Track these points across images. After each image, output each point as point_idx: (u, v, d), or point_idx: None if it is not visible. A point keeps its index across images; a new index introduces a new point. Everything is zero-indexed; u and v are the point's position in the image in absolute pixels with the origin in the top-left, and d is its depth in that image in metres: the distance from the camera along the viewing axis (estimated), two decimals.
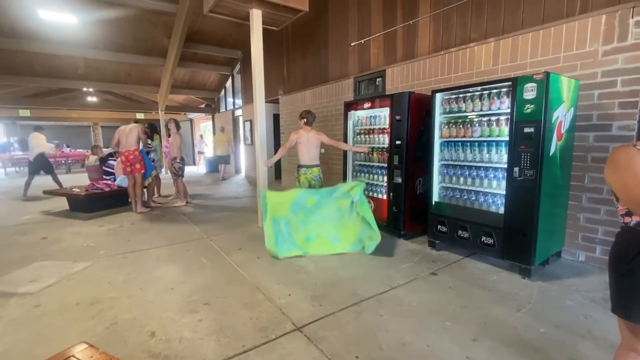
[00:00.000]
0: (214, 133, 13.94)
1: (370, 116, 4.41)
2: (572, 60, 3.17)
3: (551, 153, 2.80)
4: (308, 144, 4.06)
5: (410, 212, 3.97)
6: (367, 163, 4.53)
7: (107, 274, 3.10)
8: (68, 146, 16.24)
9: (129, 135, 5.50)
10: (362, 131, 4.60)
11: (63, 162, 14.27)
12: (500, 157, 3.10)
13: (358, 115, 4.65)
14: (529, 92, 2.73)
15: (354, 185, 3.60)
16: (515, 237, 2.90)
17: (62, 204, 5.95)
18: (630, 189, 1.12)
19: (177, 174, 6.09)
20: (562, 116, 2.87)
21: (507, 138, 2.97)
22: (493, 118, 3.14)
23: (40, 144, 6.96)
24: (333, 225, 3.63)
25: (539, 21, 3.40)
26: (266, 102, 4.66)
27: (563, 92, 2.84)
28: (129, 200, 5.82)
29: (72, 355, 1.24)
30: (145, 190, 6.03)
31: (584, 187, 3.17)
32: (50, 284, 2.87)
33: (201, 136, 14.83)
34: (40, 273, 3.11)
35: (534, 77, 2.70)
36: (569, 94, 2.92)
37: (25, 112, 13.97)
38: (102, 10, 7.35)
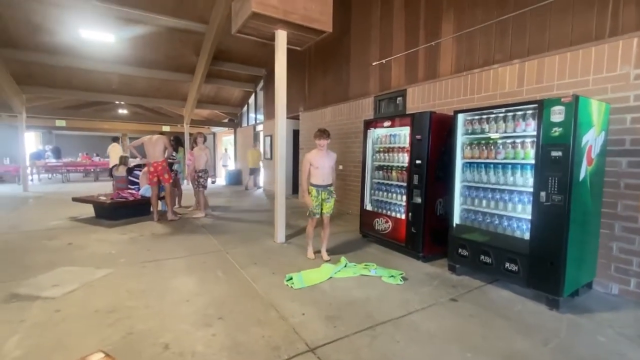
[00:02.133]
0: (235, 147, 14.29)
1: (390, 135, 4.41)
2: (602, 83, 3.07)
3: (581, 178, 2.68)
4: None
5: (429, 234, 3.87)
6: (385, 182, 4.49)
7: (126, 282, 3.17)
8: (97, 155, 17.05)
9: (156, 145, 5.71)
10: (382, 149, 4.58)
11: (92, 170, 14.95)
12: (526, 181, 3.00)
13: (377, 134, 4.65)
14: (557, 115, 2.65)
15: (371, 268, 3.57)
16: (542, 265, 2.76)
17: (89, 210, 6.18)
18: None
19: (202, 185, 6.27)
20: (592, 140, 2.76)
21: (532, 161, 2.87)
22: (518, 140, 3.06)
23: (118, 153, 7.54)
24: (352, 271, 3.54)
25: (567, 43, 3.34)
26: (287, 118, 4.74)
27: (593, 116, 2.74)
28: (151, 209, 5.99)
29: None
30: (161, 201, 6.20)
31: (617, 215, 3.00)
32: (72, 290, 2.96)
33: (225, 150, 15.24)
34: (64, 278, 3.21)
35: (562, 99, 2.62)
36: (599, 118, 2.82)
37: (62, 123, 14.82)
38: (137, 29, 7.82)
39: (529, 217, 2.88)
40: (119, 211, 5.84)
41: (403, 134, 4.17)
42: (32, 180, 12.98)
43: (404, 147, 4.16)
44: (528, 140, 2.98)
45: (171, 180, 5.85)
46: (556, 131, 2.66)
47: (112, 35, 7.70)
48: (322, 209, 3.87)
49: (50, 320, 2.45)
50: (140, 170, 7.02)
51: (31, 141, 19.19)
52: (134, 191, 6.64)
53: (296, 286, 3.11)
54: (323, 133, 3.80)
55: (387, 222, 4.34)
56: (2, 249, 4.16)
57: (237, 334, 2.29)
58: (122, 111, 15.80)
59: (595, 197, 2.93)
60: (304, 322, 2.47)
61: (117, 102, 13.61)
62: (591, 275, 3.07)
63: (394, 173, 4.32)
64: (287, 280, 3.22)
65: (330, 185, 3.91)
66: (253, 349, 2.12)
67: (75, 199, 6.32)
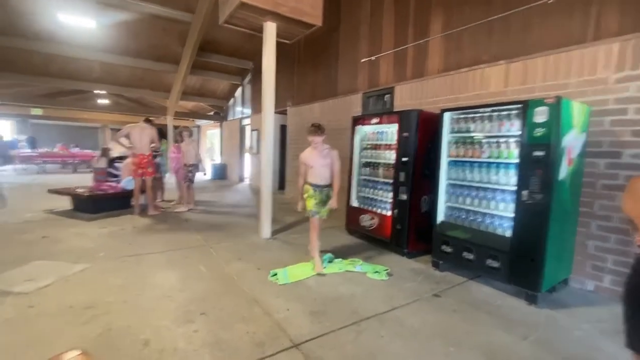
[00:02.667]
0: (221, 141, 14.07)
1: (378, 132, 4.41)
2: (583, 86, 3.16)
3: (561, 177, 2.76)
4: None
5: (414, 230, 3.91)
6: (372, 178, 4.50)
7: (105, 277, 3.06)
8: (77, 146, 16.44)
9: (142, 136, 5.52)
10: (369, 146, 4.59)
11: (70, 161, 14.41)
12: (509, 180, 3.06)
13: (365, 131, 4.65)
14: (540, 115, 2.71)
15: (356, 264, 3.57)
16: (522, 262, 2.83)
17: (66, 203, 5.94)
18: None
19: (189, 179, 6.14)
20: (572, 141, 2.84)
21: (516, 160, 2.93)
22: (502, 140, 3.12)
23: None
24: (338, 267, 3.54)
25: (550, 46, 3.42)
26: (275, 112, 4.68)
27: (574, 117, 2.82)
28: (132, 203, 5.81)
29: None
30: (144, 194, 6.05)
31: (593, 214, 3.11)
32: (46, 285, 2.83)
33: (212, 144, 15.04)
34: (37, 272, 3.08)
35: (546, 100, 2.69)
36: (580, 119, 2.90)
37: (38, 111, 14.23)
38: (120, 16, 7.53)
39: (511, 215, 2.95)
40: (99, 204, 5.64)
41: (390, 131, 4.19)
42: (4, 170, 12.39)
43: (391, 145, 4.17)
44: (512, 140, 3.04)
45: (154, 175, 5.70)
46: (539, 132, 2.72)
47: (93, 21, 7.39)
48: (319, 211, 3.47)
49: (23, 316, 2.34)
50: (121, 162, 6.80)
51: (4, 130, 18.33)
52: (113, 183, 6.43)
53: (281, 282, 3.08)
54: (317, 129, 3.35)
55: (373, 218, 4.36)
56: None
57: (220, 331, 2.25)
58: (103, 101, 15.24)
59: (573, 196, 3.02)
60: (288, 318, 2.45)
61: (97, 92, 13.12)
62: (568, 272, 3.17)
63: (380, 170, 4.33)
64: (272, 276, 3.19)
65: (330, 185, 3.47)
66: (236, 345, 2.09)
67: (51, 191, 6.05)
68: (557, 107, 2.63)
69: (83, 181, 7.96)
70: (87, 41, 8.40)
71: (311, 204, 3.43)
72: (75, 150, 15.54)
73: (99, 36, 8.22)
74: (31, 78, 9.92)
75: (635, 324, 1.21)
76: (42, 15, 7.28)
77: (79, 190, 5.81)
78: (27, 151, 13.84)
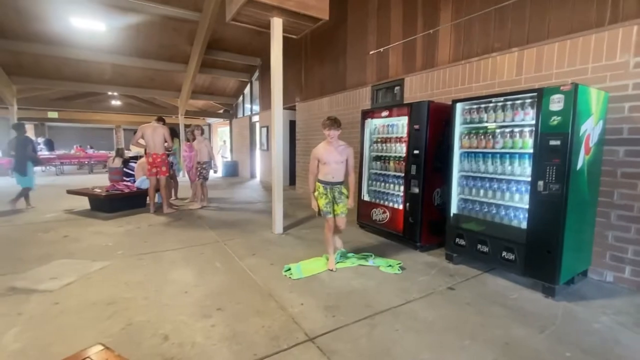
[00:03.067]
0: (231, 138, 14.19)
1: (388, 125, 4.37)
2: (601, 71, 3.05)
3: (578, 167, 2.68)
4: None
5: (427, 224, 3.88)
6: (383, 172, 4.48)
7: (124, 274, 3.15)
8: (91, 147, 16.86)
9: (155, 135, 5.60)
10: (379, 139, 4.56)
11: (86, 162, 14.80)
12: (523, 170, 3.00)
13: (375, 124, 4.61)
14: (556, 103, 2.63)
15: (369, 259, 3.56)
16: (538, 254, 2.78)
17: (84, 203, 6.12)
18: None
19: (203, 176, 6.26)
20: (590, 129, 2.75)
21: (530, 150, 2.87)
22: (516, 129, 3.05)
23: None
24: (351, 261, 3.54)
25: (566, 31, 3.30)
26: (283, 108, 4.69)
27: (592, 104, 2.73)
28: (147, 201, 5.94)
29: (88, 357, 1.25)
30: (158, 193, 6.16)
31: (613, 204, 3.02)
32: (69, 282, 2.94)
33: (224, 142, 15.19)
34: (61, 271, 3.20)
35: (561, 88, 2.61)
36: (597, 106, 2.80)
37: (54, 114, 14.60)
38: (129, 18, 7.63)
39: (526, 206, 2.89)
40: (115, 203, 5.79)
41: (401, 124, 4.14)
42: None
43: (401, 137, 4.13)
44: (526, 129, 2.97)
45: (167, 174, 5.81)
46: (555, 120, 2.65)
47: (103, 24, 7.52)
48: (333, 210, 3.35)
49: (48, 313, 2.43)
50: (135, 162, 6.95)
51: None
52: (129, 183, 6.58)
53: (294, 277, 3.11)
54: (334, 122, 3.18)
55: (384, 212, 4.34)
56: None
57: (237, 325, 2.29)
58: (116, 102, 15.56)
59: (592, 186, 2.94)
60: (303, 312, 2.48)
61: (110, 93, 13.38)
62: (587, 264, 3.10)
63: (391, 163, 4.30)
64: (286, 271, 3.22)
65: (341, 183, 3.35)
66: (252, 339, 2.13)
67: (69, 192, 6.25)
68: (573, 94, 2.54)
69: (99, 181, 8.18)
70: (98, 44, 8.55)
71: (322, 203, 3.32)
72: (91, 151, 15.94)
73: (110, 38, 8.35)
74: (46, 82, 10.18)
75: None
76: (54, 19, 7.44)
77: (96, 191, 5.97)
78: (45, 153, 14.26)
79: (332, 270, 3.31)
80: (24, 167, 5.86)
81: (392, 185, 4.32)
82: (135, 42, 8.78)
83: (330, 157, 3.26)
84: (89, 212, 5.81)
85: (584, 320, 2.41)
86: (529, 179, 2.86)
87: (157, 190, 5.96)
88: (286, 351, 2.01)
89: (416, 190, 3.85)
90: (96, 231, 4.65)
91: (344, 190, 3.39)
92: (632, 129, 2.90)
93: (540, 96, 2.73)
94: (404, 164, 4.03)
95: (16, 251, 3.75)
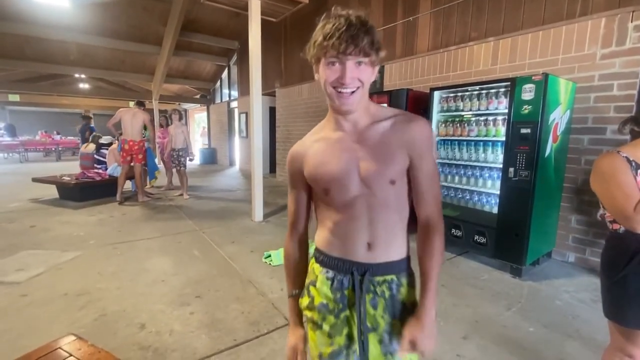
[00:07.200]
0: (209, 125, 13.82)
1: None
2: (570, 62, 3.18)
3: (546, 154, 2.81)
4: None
5: None
6: None
7: (96, 264, 3.05)
8: (58, 133, 15.94)
9: (134, 121, 5.31)
10: None
11: (53, 149, 14.01)
12: (496, 157, 3.11)
13: None
14: (527, 93, 2.73)
15: None
16: (507, 237, 2.92)
17: (52, 192, 5.82)
18: (615, 200, 1.12)
19: (182, 164, 6.08)
20: (558, 118, 2.88)
21: (503, 138, 2.97)
22: (490, 118, 3.15)
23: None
24: None
25: (539, 22, 3.40)
26: (263, 94, 4.59)
27: (560, 94, 2.85)
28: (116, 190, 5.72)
29: (59, 347, 1.21)
30: (131, 180, 5.96)
31: (577, 189, 3.20)
32: (38, 274, 2.82)
33: (204, 128, 14.77)
34: (28, 262, 3.05)
35: (533, 78, 2.70)
36: (566, 96, 2.93)
37: (15, 97, 13.65)
38: None
39: (498, 192, 3.02)
40: (86, 192, 5.55)
41: None
42: None
43: None
44: (500, 117, 3.07)
45: (144, 162, 5.59)
46: (526, 109, 2.75)
47: (67, 0, 6.99)
48: None
49: (16, 305, 2.33)
50: (107, 149, 6.64)
51: None
52: (100, 170, 6.30)
53: (275, 263, 3.12)
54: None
55: None
56: None
57: (216, 312, 2.29)
58: (84, 85, 14.67)
59: (558, 172, 3.10)
60: (283, 298, 2.50)
61: (76, 75, 12.60)
62: (551, 245, 3.30)
63: None
64: (266, 258, 3.23)
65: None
66: (232, 325, 2.14)
67: (35, 180, 5.91)
68: (544, 84, 2.64)
69: (68, 169, 7.78)
70: (61, 21, 7.96)
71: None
72: (58, 137, 15.07)
73: (74, 16, 7.79)
74: (5, 62, 9.44)
75: (612, 295, 1.27)
76: None
77: (65, 179, 5.68)
78: (7, 139, 13.37)
79: None
80: None
81: None
82: (102, 21, 8.25)
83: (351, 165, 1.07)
84: (58, 201, 5.54)
85: (547, 297, 2.58)
86: (501, 165, 2.97)
87: (130, 178, 5.74)
88: (265, 335, 2.04)
89: None
90: (66, 221, 4.45)
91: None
92: (596, 119, 3.06)
93: (514, 85, 2.82)
94: None
95: None
